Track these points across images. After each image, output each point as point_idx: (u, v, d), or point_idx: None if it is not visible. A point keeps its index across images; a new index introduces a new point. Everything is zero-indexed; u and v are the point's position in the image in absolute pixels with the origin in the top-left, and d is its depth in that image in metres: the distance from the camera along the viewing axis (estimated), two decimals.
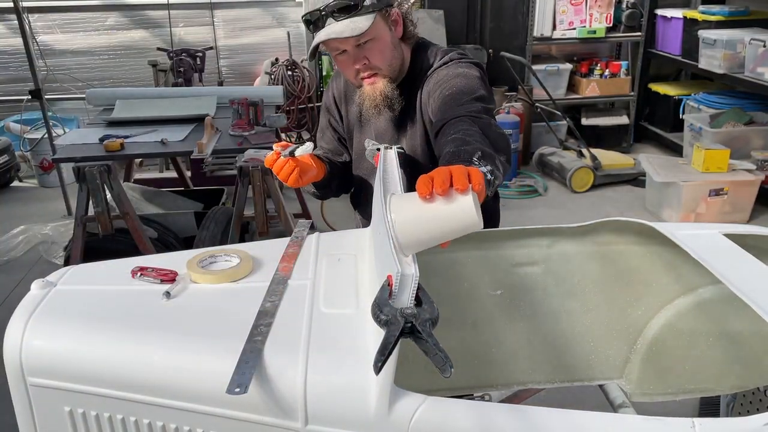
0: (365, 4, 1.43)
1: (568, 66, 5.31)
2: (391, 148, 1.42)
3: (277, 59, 5.15)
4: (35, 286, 1.18)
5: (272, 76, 4.99)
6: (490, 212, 1.72)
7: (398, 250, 0.94)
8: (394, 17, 1.53)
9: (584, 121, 5.41)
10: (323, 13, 1.42)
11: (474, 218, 0.93)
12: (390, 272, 0.91)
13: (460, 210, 0.93)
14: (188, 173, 4.48)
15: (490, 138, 1.26)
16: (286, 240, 1.38)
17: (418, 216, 0.95)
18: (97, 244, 3.03)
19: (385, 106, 1.55)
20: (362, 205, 1.78)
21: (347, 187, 1.81)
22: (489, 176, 1.11)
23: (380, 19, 1.48)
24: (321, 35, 1.44)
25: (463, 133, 1.26)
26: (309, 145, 1.43)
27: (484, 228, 1.75)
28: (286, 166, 1.46)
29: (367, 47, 1.48)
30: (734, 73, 4.43)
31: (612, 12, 5.13)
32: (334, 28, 1.42)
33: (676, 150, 5.12)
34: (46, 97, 4.31)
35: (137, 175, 4.54)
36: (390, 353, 0.81)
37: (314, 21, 1.45)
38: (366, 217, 1.76)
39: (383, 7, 1.48)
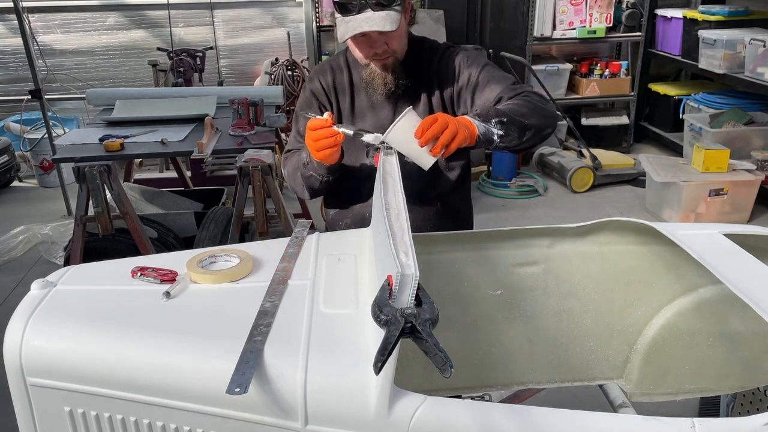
0: None
1: (568, 66, 5.31)
2: (391, 148, 1.44)
3: (277, 59, 5.14)
4: (35, 286, 1.18)
5: (272, 76, 4.98)
6: (467, 208, 1.90)
7: (382, 139, 1.43)
8: (407, 7, 1.65)
9: (584, 121, 5.41)
10: (363, 1, 1.51)
11: (428, 167, 1.43)
12: (390, 272, 0.91)
13: (424, 160, 1.42)
14: (188, 173, 4.47)
15: (542, 110, 1.56)
16: (286, 240, 1.38)
17: (404, 138, 1.40)
18: (97, 244, 3.03)
19: (392, 83, 1.67)
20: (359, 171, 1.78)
21: (335, 183, 1.81)
22: (495, 137, 1.45)
23: (402, 10, 1.60)
24: (363, 26, 1.51)
25: (513, 103, 1.54)
26: (378, 137, 1.45)
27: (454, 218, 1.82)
28: (332, 138, 1.48)
29: (389, 34, 1.58)
30: (734, 73, 4.43)
31: (612, 12, 5.12)
32: (376, 21, 1.51)
33: (676, 150, 5.12)
34: (46, 97, 4.31)
35: (137, 175, 4.53)
36: (390, 353, 0.81)
37: (346, 5, 1.53)
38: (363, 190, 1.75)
39: None
